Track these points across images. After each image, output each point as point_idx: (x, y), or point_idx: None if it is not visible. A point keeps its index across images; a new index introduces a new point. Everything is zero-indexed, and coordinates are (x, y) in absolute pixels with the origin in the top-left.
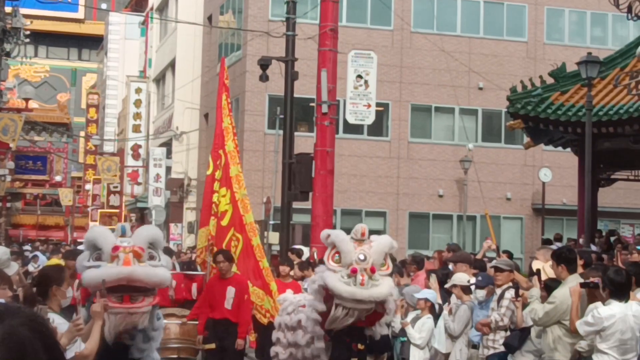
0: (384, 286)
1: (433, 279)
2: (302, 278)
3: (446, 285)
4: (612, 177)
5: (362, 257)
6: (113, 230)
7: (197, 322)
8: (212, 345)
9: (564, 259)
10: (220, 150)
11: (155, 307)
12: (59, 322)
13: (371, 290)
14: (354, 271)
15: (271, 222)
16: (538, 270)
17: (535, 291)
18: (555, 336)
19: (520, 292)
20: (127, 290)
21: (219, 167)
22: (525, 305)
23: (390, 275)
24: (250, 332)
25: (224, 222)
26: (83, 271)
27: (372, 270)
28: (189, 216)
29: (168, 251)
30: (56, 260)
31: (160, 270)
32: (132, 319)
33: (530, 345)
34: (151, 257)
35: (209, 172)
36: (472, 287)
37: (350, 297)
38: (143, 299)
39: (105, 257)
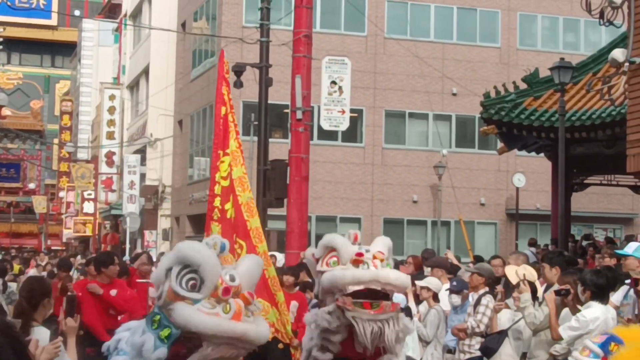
0: (404, 275)
1: None
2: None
3: (419, 283)
4: (586, 181)
5: (363, 249)
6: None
7: None
8: None
9: (558, 262)
10: (220, 150)
11: None
12: (44, 337)
13: (392, 272)
14: (360, 255)
15: None
16: (524, 275)
17: (527, 296)
18: (548, 338)
19: (515, 295)
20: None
21: (217, 169)
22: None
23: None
24: None
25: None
26: (162, 284)
27: (379, 257)
28: (164, 223)
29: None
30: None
31: (264, 326)
32: None
33: (509, 348)
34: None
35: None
36: (447, 292)
37: (370, 277)
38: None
39: (206, 291)
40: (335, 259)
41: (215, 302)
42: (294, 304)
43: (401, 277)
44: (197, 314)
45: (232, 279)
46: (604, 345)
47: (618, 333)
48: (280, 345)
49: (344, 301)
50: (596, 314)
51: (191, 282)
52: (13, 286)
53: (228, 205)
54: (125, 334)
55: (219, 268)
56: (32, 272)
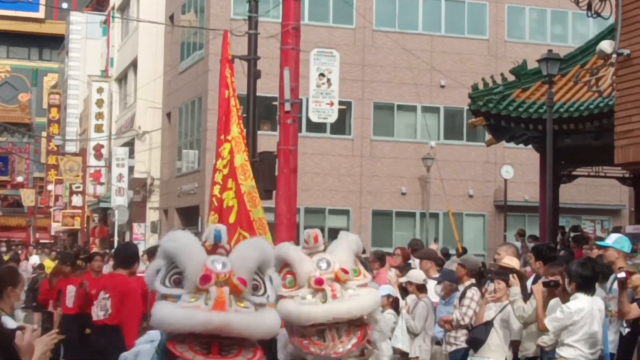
0: (365, 297)
1: (392, 274)
2: None
3: (401, 280)
4: (573, 173)
5: (323, 265)
6: (197, 233)
7: None
8: None
9: (543, 256)
10: (222, 135)
11: None
12: (11, 326)
13: (350, 302)
14: (319, 282)
15: None
16: (514, 269)
17: (517, 289)
18: (538, 330)
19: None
20: (216, 336)
21: (220, 155)
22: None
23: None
24: None
25: (231, 220)
26: (153, 288)
27: (341, 278)
28: (152, 216)
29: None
30: None
31: (266, 317)
32: None
33: (496, 338)
34: (254, 288)
35: (214, 162)
36: (434, 283)
37: (324, 316)
38: (239, 350)
39: (189, 284)
40: (291, 277)
41: (197, 294)
42: None
43: (357, 308)
44: (171, 310)
45: (219, 265)
46: None
47: None
48: None
49: (298, 341)
50: (581, 306)
51: (174, 277)
52: None
53: (225, 195)
54: (146, 347)
55: (201, 256)
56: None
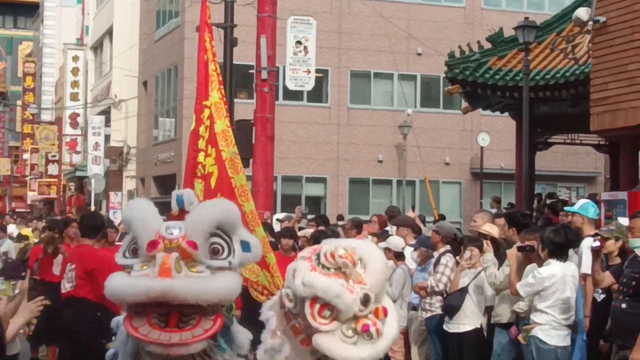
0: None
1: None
2: None
3: (380, 244)
4: (549, 140)
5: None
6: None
7: None
8: None
9: (516, 222)
10: (204, 101)
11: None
12: None
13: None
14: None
15: None
16: (488, 235)
17: (490, 256)
18: (510, 296)
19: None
20: (173, 306)
21: (202, 122)
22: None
23: None
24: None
25: (212, 186)
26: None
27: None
28: (129, 184)
29: None
30: None
31: (219, 280)
32: (177, 350)
33: (471, 304)
34: (215, 252)
35: (192, 128)
36: (411, 250)
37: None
38: (198, 320)
39: (142, 253)
40: (328, 310)
41: (148, 262)
42: None
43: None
44: (118, 280)
45: (172, 230)
46: None
47: None
48: None
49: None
50: (553, 271)
51: (132, 247)
52: None
53: (206, 161)
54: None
55: (156, 223)
56: (7, 243)
